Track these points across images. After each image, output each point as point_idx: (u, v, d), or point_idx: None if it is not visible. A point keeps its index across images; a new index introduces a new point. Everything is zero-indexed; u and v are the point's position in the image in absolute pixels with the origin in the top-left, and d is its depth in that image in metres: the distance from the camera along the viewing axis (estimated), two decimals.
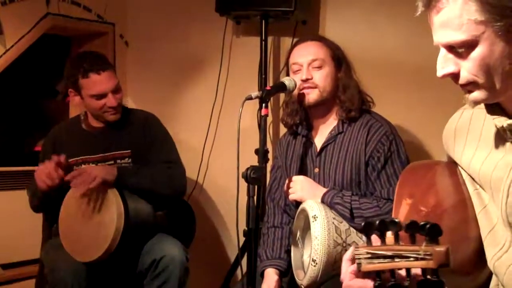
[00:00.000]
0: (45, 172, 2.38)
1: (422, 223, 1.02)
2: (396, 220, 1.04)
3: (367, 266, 1.06)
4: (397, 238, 1.05)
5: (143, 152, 2.66)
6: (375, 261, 1.05)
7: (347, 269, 1.14)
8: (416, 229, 1.02)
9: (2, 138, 3.96)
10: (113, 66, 2.68)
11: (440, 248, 1.00)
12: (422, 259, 1.01)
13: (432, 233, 1.01)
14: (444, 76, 1.19)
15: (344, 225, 2.06)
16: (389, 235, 1.06)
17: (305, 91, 2.22)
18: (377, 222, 1.04)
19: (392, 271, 1.05)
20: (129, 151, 2.64)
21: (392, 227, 1.04)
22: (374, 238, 1.09)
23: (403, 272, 1.05)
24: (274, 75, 3.11)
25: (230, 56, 3.23)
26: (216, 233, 3.32)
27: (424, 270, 1.02)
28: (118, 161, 2.63)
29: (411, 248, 1.02)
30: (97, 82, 2.52)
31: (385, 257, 1.04)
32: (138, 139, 2.67)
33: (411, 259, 1.02)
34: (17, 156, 3.86)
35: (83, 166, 2.60)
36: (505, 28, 1.11)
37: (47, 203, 2.56)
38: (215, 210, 3.35)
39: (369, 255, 1.05)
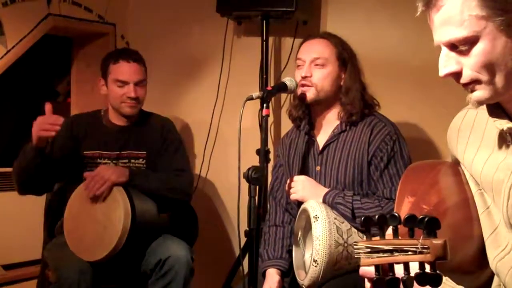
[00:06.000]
0: (44, 121, 2.31)
1: (420, 217, 1.01)
2: (396, 214, 1.04)
3: (366, 261, 1.06)
4: (396, 233, 1.05)
5: (157, 155, 2.69)
6: (374, 255, 1.05)
7: None
8: (414, 223, 1.02)
9: (3, 139, 3.95)
10: (145, 67, 2.71)
11: (438, 241, 0.99)
12: (420, 252, 1.00)
13: (430, 226, 1.01)
14: (447, 75, 1.18)
15: (345, 226, 2.06)
16: (389, 230, 1.06)
17: (302, 88, 2.22)
18: (377, 217, 1.04)
19: (391, 266, 1.05)
20: (144, 152, 2.67)
21: (392, 221, 1.04)
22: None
23: (401, 266, 1.05)
24: (275, 75, 3.11)
25: (231, 56, 3.23)
26: (218, 233, 3.32)
27: (422, 264, 1.02)
28: (133, 160, 2.66)
29: (409, 242, 1.02)
30: (124, 68, 2.62)
31: (384, 251, 1.04)
32: (154, 142, 2.70)
33: (410, 253, 1.02)
34: (18, 157, 3.85)
35: (98, 161, 2.62)
36: (507, 22, 1.11)
37: (34, 173, 2.47)
38: (217, 210, 3.35)
39: (368, 250, 1.05)
